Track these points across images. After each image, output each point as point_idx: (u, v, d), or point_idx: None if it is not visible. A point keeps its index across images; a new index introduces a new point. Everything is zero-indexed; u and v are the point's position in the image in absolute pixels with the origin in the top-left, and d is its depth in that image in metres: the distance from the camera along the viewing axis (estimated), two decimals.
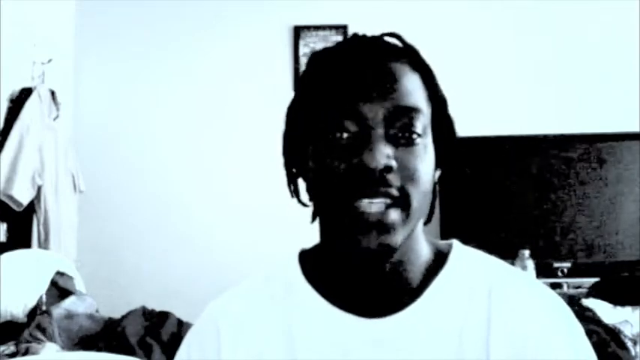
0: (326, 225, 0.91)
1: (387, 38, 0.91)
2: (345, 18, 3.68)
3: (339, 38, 3.55)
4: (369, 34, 0.92)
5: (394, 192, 0.84)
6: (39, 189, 3.08)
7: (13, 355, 2.10)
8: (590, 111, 3.61)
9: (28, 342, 2.16)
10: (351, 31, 3.85)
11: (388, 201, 0.84)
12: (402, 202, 0.84)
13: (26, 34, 3.17)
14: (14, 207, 2.97)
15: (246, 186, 3.63)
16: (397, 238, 0.85)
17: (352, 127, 0.85)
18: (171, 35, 3.76)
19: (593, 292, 2.82)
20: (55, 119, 3.23)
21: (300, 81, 0.93)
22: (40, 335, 2.19)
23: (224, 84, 3.71)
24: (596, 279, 2.97)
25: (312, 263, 0.94)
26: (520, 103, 3.67)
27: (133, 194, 3.69)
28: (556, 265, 3.34)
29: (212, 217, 3.65)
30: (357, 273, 0.90)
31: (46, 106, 3.17)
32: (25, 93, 3.11)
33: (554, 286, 3.27)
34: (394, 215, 0.84)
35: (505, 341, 0.87)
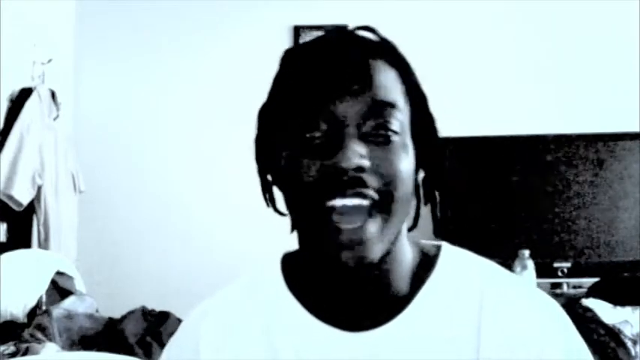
0: (303, 236, 0.86)
1: (362, 33, 0.86)
2: (345, 18, 3.67)
3: None
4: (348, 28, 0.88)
5: (371, 193, 0.79)
6: (39, 189, 3.08)
7: (13, 355, 2.10)
8: (590, 111, 3.61)
9: (28, 342, 2.15)
10: None
11: (364, 202, 0.78)
12: (381, 205, 0.79)
13: (26, 34, 3.17)
14: (14, 207, 2.97)
15: (246, 186, 3.60)
16: (376, 251, 0.80)
17: (324, 126, 0.80)
18: (171, 35, 3.76)
19: (593, 292, 2.82)
20: (55, 119, 3.23)
21: (273, 81, 0.88)
22: (40, 335, 2.19)
23: (224, 84, 3.71)
24: (596, 279, 2.97)
25: (294, 270, 0.90)
26: (520, 103, 3.66)
27: (133, 194, 3.69)
28: (556, 265, 3.33)
29: (212, 217, 3.65)
30: (339, 285, 0.85)
31: (46, 106, 3.17)
32: (25, 93, 3.10)
33: (554, 286, 3.27)
34: (372, 227, 0.79)
35: (496, 346, 0.84)
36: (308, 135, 0.81)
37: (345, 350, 0.84)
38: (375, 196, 0.79)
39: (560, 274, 3.33)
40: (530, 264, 2.97)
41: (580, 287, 3.19)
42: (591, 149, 3.46)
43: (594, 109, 3.61)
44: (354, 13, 3.67)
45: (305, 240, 0.86)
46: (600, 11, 3.68)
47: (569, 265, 3.35)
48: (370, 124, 0.81)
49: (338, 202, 0.78)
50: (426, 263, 0.89)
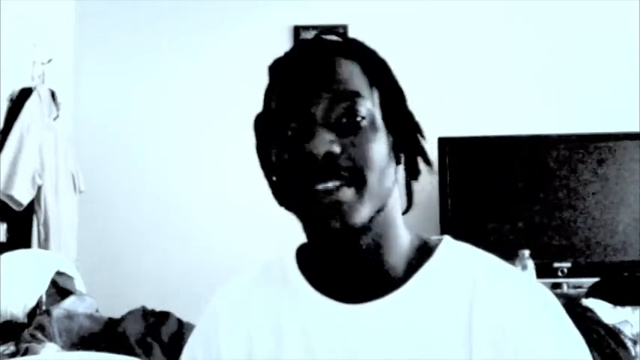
0: (301, 220, 0.95)
1: (328, 37, 0.96)
2: (345, 18, 3.68)
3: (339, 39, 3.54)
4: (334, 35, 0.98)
5: (343, 172, 0.87)
6: (39, 189, 3.08)
7: (13, 355, 2.10)
8: (590, 111, 3.61)
9: (28, 342, 2.15)
10: (351, 32, 3.87)
11: (339, 182, 0.87)
12: (354, 179, 0.88)
13: (26, 34, 3.17)
14: (14, 207, 2.97)
15: (246, 186, 3.62)
16: (356, 215, 0.88)
17: (296, 122, 0.90)
18: (171, 35, 3.76)
19: (593, 292, 2.82)
20: (55, 119, 3.23)
21: (264, 92, 0.97)
22: (40, 335, 2.19)
23: (224, 84, 3.71)
24: (596, 279, 2.97)
25: (305, 256, 1.00)
26: (520, 103, 3.66)
27: (133, 194, 3.69)
28: (556, 265, 3.33)
29: (212, 217, 3.65)
30: (335, 259, 0.93)
31: (46, 106, 3.17)
32: (25, 93, 3.10)
33: (554, 286, 3.27)
34: (348, 193, 0.87)
35: (487, 334, 0.88)
36: (285, 132, 0.91)
37: (337, 319, 0.92)
38: (346, 173, 0.88)
39: (560, 274, 3.33)
40: (530, 264, 2.97)
41: (580, 287, 3.19)
42: (591, 149, 3.46)
43: (594, 109, 3.61)
44: (354, 13, 3.67)
45: (303, 223, 0.95)
46: (600, 11, 3.68)
47: (569, 265, 3.35)
48: (336, 113, 0.89)
49: (319, 187, 0.87)
50: (425, 250, 0.96)
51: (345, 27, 3.69)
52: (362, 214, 0.88)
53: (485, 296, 0.90)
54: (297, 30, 3.71)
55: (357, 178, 0.88)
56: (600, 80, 3.64)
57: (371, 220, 0.90)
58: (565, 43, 3.71)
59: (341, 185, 0.87)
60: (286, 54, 0.97)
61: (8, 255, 2.57)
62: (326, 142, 0.87)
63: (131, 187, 3.69)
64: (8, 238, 3.02)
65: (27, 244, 3.02)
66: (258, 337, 0.96)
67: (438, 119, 3.00)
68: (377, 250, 0.93)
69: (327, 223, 0.88)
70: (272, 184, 0.98)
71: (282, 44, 3.85)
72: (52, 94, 3.22)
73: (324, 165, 0.87)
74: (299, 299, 0.96)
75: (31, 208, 3.07)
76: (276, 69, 0.96)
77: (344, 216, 0.87)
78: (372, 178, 0.89)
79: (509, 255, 2.96)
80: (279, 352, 0.94)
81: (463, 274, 0.92)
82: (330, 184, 0.87)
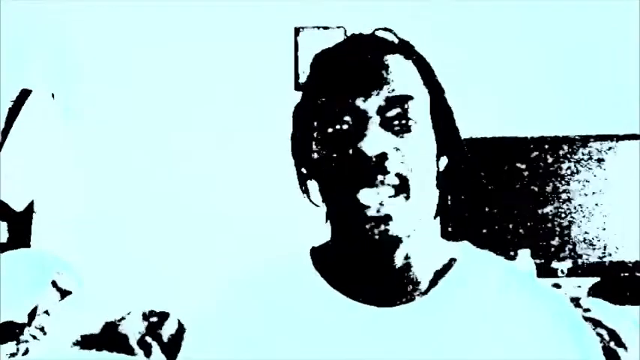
0: (335, 221, 0.92)
1: (380, 33, 0.94)
2: (346, 18, 3.68)
3: (340, 39, 3.54)
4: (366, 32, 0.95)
5: (394, 180, 0.84)
6: None
7: (13, 355, 2.09)
8: (590, 111, 3.60)
9: (27, 342, 2.15)
10: (350, 32, 3.85)
11: (389, 190, 0.84)
12: (402, 189, 0.85)
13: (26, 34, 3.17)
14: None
15: (247, 186, 3.63)
16: (401, 227, 0.85)
17: (348, 119, 0.87)
18: (171, 35, 3.75)
19: (593, 292, 2.82)
20: None
21: (305, 83, 0.95)
22: (40, 335, 2.19)
23: (224, 84, 3.70)
24: (596, 279, 2.96)
25: (322, 258, 0.96)
26: (520, 104, 3.66)
27: (134, 194, 3.68)
28: (556, 265, 3.33)
29: (212, 217, 3.64)
30: (367, 268, 0.90)
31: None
32: (25, 93, 3.10)
33: (554, 287, 3.27)
34: (396, 204, 0.84)
35: (505, 343, 0.88)
36: (335, 128, 0.88)
37: (360, 322, 0.89)
38: (396, 181, 0.84)
39: (560, 274, 3.33)
40: (531, 264, 2.96)
41: (580, 287, 3.18)
42: (591, 149, 3.46)
43: (594, 109, 3.60)
44: (354, 13, 3.67)
45: (336, 223, 0.92)
46: (600, 11, 3.68)
47: (569, 265, 3.35)
48: (390, 114, 0.87)
49: (365, 192, 0.84)
50: (448, 260, 0.94)
51: (345, 28, 3.69)
52: (407, 225, 0.86)
53: (504, 306, 0.90)
54: (298, 30, 3.71)
55: (404, 186, 0.85)
56: (600, 80, 3.63)
57: (411, 232, 0.87)
58: (565, 43, 3.70)
59: (390, 196, 0.84)
60: (338, 47, 0.95)
61: (8, 255, 2.57)
62: (380, 143, 0.84)
63: (131, 187, 3.69)
64: (8, 238, 3.02)
65: (27, 244, 3.02)
66: (275, 341, 0.92)
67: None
68: (411, 258, 0.90)
69: (369, 232, 0.84)
70: (300, 175, 0.95)
71: (283, 44, 3.85)
72: (52, 94, 3.22)
73: (376, 167, 0.84)
74: (318, 300, 0.92)
75: (31, 208, 3.07)
76: (327, 62, 0.93)
77: (388, 228, 0.84)
78: (418, 189, 0.86)
79: (509, 255, 2.96)
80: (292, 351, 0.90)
81: (484, 284, 0.91)
82: (380, 194, 0.84)
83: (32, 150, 3.02)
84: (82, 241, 3.52)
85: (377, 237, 0.83)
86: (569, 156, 3.47)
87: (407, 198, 0.84)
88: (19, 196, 2.94)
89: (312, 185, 0.94)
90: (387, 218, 0.83)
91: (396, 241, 0.86)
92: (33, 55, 3.22)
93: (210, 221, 3.65)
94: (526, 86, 3.69)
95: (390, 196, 0.83)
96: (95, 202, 3.58)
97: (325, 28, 3.71)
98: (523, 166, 3.49)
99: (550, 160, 3.48)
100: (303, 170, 0.94)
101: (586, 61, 3.68)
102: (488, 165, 3.50)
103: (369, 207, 0.83)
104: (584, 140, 3.47)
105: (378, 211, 0.83)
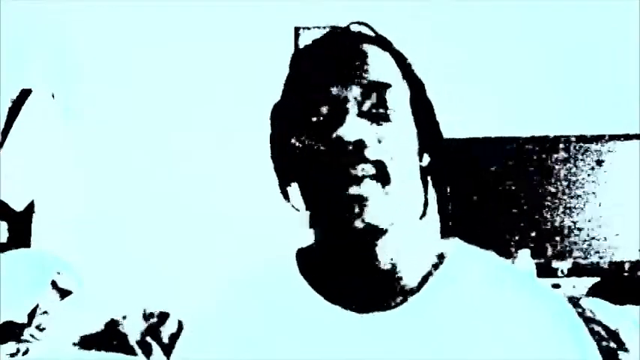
0: (316, 219, 0.91)
1: (355, 27, 0.98)
2: (345, 18, 3.67)
3: None
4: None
5: (371, 168, 0.84)
6: None
7: (13, 355, 2.10)
8: (590, 111, 3.60)
9: (28, 342, 2.15)
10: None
11: (369, 170, 0.84)
12: (380, 176, 0.84)
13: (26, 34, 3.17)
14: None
15: (246, 187, 3.63)
16: (379, 215, 0.84)
17: (325, 108, 0.87)
18: (171, 35, 3.76)
19: (593, 292, 2.82)
20: None
21: (284, 82, 0.96)
22: (40, 335, 2.19)
23: (224, 84, 3.71)
24: (597, 279, 2.97)
25: (307, 260, 0.95)
26: (520, 104, 3.66)
27: (134, 194, 3.69)
28: (556, 265, 3.33)
29: (211, 217, 3.65)
30: (351, 267, 0.89)
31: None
32: (25, 93, 3.10)
33: (554, 287, 3.27)
34: (374, 187, 0.83)
35: (496, 341, 0.87)
36: (313, 119, 0.87)
37: (346, 328, 0.88)
38: (373, 169, 0.84)
39: (560, 274, 3.33)
40: (531, 264, 2.96)
41: (579, 287, 3.18)
42: (591, 149, 3.46)
43: (594, 109, 3.60)
44: (354, 13, 3.67)
45: (318, 221, 0.90)
46: (600, 11, 3.68)
47: (569, 265, 3.35)
48: (368, 103, 0.86)
49: (346, 178, 0.83)
50: (438, 257, 0.93)
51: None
52: (386, 213, 0.85)
53: (497, 302, 0.89)
54: (298, 30, 3.71)
55: (383, 173, 0.84)
56: (600, 80, 3.64)
57: (393, 222, 0.86)
58: (565, 42, 3.71)
59: (369, 176, 0.83)
60: (315, 42, 0.95)
61: (8, 255, 2.57)
62: (358, 129, 0.84)
63: (131, 187, 3.69)
64: (8, 238, 3.02)
65: (27, 244, 3.03)
66: (261, 347, 0.91)
67: (439, 119, 3.00)
68: (396, 257, 0.89)
69: (348, 220, 0.83)
70: (281, 178, 0.95)
71: (283, 44, 3.86)
72: (52, 94, 3.22)
73: (354, 153, 0.83)
74: (303, 306, 0.91)
75: (31, 208, 3.07)
76: (303, 57, 0.94)
77: (364, 211, 0.83)
78: (398, 178, 0.85)
79: (509, 255, 2.96)
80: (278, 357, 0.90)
81: (474, 282, 0.90)
82: (359, 171, 0.83)
83: (32, 150, 3.03)
84: (82, 241, 3.52)
85: (356, 226, 0.82)
86: (569, 156, 3.47)
87: (384, 185, 0.84)
88: (19, 196, 2.94)
89: (293, 190, 0.93)
90: (362, 199, 0.82)
91: (376, 232, 0.84)
92: (33, 55, 3.22)
93: (210, 221, 3.65)
94: (526, 86, 3.69)
95: (366, 176, 0.83)
96: (95, 202, 3.59)
97: (325, 28, 3.70)
98: (522, 166, 3.49)
99: (550, 160, 3.48)
100: (284, 173, 0.94)
101: (586, 61, 3.68)
102: (488, 165, 3.50)
103: (348, 187, 0.83)
104: (584, 140, 3.47)
105: (359, 196, 0.83)
